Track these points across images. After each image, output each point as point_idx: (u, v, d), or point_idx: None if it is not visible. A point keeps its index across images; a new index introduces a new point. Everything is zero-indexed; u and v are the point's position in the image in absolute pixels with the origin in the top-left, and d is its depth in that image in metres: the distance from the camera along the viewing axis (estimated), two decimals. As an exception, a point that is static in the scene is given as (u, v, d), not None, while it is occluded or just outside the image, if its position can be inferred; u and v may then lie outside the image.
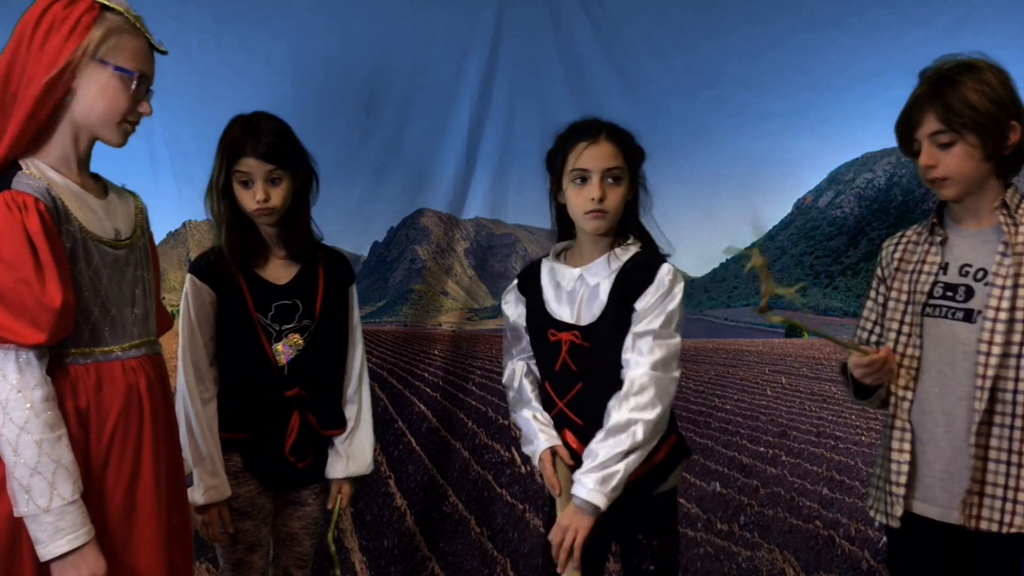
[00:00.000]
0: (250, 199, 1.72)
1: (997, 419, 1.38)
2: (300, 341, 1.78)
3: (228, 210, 1.75)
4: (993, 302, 1.37)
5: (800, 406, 11.80)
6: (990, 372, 1.36)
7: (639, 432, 1.46)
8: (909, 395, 1.48)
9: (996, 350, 1.36)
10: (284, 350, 1.78)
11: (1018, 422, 1.36)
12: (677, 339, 1.50)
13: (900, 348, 1.50)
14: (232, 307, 1.76)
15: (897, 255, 1.56)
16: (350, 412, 1.88)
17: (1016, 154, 1.41)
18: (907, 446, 1.47)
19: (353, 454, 1.86)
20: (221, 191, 1.74)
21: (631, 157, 1.57)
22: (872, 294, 1.62)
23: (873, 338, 1.61)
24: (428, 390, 12.25)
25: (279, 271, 1.81)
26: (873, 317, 1.62)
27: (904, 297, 1.51)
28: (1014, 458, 1.36)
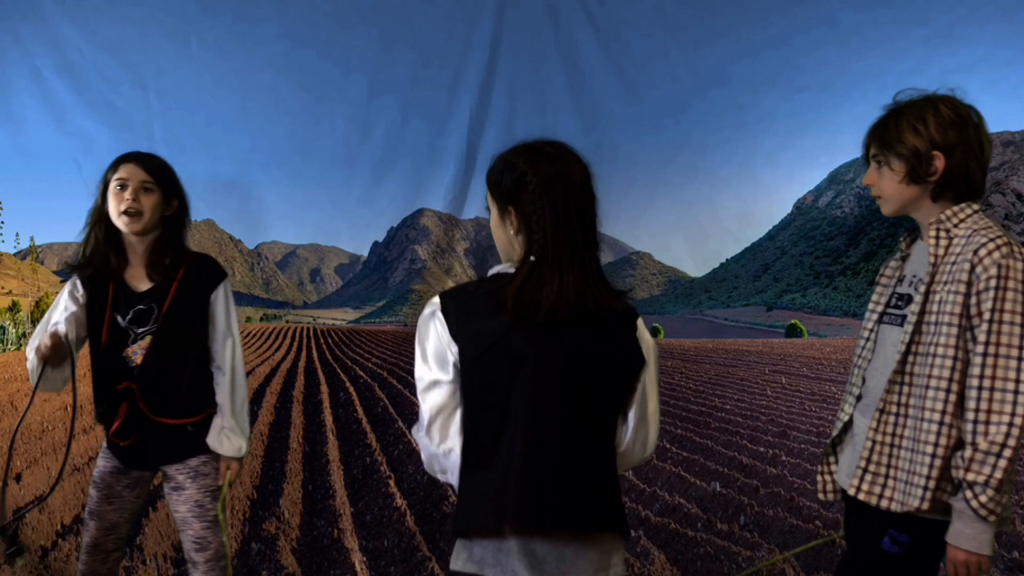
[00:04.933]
0: (118, 201, 1.98)
1: (900, 408, 1.57)
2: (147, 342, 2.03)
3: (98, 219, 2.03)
4: (914, 307, 1.57)
5: (800, 406, 11.81)
6: (896, 366, 1.57)
7: None
8: (856, 391, 1.71)
9: (903, 348, 1.56)
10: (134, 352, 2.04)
11: (913, 411, 1.54)
12: None
13: (865, 353, 1.71)
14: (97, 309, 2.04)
15: (882, 272, 1.77)
16: (219, 399, 2.11)
17: (948, 180, 1.57)
18: (844, 435, 1.73)
19: (225, 437, 2.11)
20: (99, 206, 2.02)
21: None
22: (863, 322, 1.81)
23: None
24: (428, 390, 11.98)
25: (140, 280, 2.06)
26: None
27: (876, 308, 1.71)
28: (908, 443, 1.55)
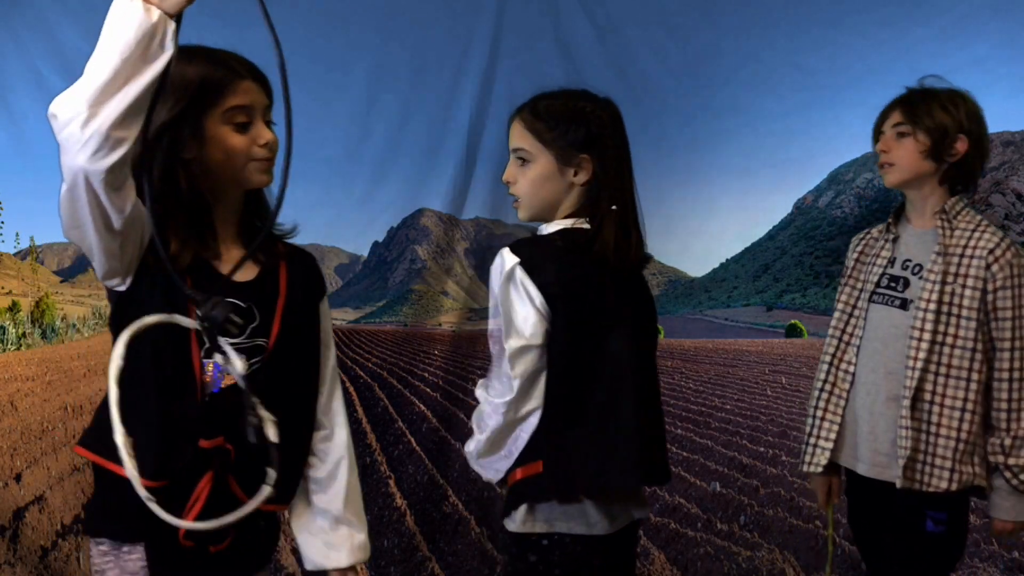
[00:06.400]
0: (247, 143, 1.17)
1: (926, 396, 1.60)
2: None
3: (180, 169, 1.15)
4: (925, 295, 1.59)
5: (800, 406, 11.80)
6: (921, 355, 1.59)
7: None
8: (852, 369, 1.71)
9: (927, 336, 1.59)
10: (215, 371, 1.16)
11: (936, 399, 1.59)
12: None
13: (849, 328, 1.73)
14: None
15: (859, 249, 1.80)
16: (327, 472, 1.30)
17: (964, 166, 1.63)
18: (840, 411, 1.72)
19: (344, 533, 1.30)
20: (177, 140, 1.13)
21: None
22: (844, 297, 1.80)
23: (843, 345, 1.77)
24: (428, 390, 12.27)
25: (231, 265, 1.18)
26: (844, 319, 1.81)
27: (860, 286, 1.74)
28: (934, 428, 1.60)
